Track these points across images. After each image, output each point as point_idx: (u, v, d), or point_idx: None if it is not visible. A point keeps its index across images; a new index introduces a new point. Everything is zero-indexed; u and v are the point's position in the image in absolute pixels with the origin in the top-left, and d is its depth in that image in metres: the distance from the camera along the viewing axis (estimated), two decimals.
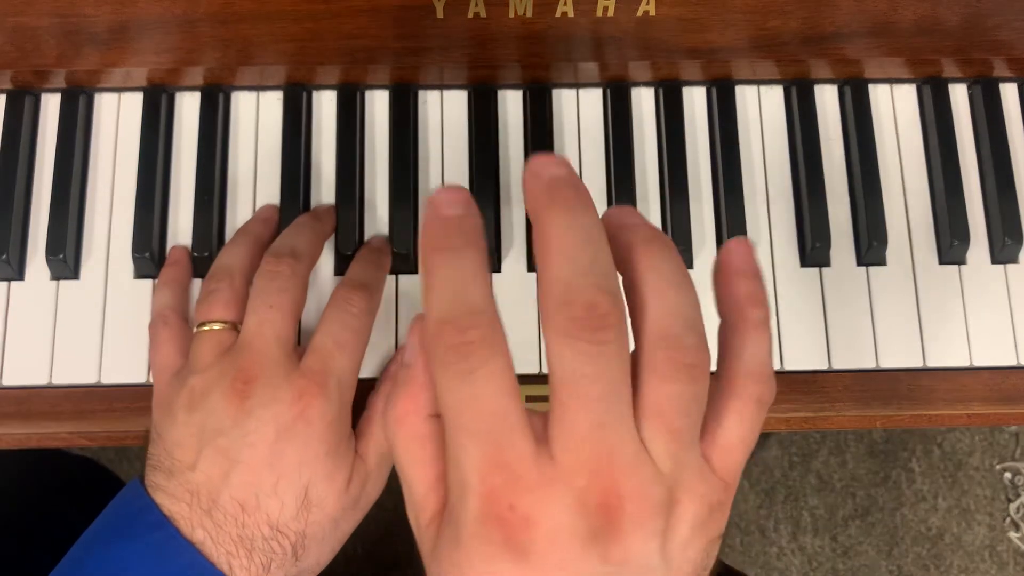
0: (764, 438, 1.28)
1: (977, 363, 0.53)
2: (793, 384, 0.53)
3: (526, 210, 0.31)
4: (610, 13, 0.52)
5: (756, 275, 0.33)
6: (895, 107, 0.57)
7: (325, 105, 0.56)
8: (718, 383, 0.33)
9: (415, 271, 0.54)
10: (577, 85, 0.57)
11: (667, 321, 0.31)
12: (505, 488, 0.29)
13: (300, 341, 0.52)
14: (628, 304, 0.32)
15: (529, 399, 0.50)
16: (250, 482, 0.44)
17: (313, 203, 0.55)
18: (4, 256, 0.52)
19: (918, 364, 0.53)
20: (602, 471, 0.29)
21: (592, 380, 0.29)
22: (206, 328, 0.47)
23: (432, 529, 0.32)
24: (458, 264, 0.30)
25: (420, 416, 0.32)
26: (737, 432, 0.33)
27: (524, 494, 0.29)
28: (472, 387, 0.29)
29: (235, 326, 0.47)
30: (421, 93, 0.57)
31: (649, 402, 0.30)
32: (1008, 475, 1.30)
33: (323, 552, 0.46)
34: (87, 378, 0.52)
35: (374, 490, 0.48)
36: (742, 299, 0.33)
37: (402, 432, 0.33)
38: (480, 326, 0.29)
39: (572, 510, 0.29)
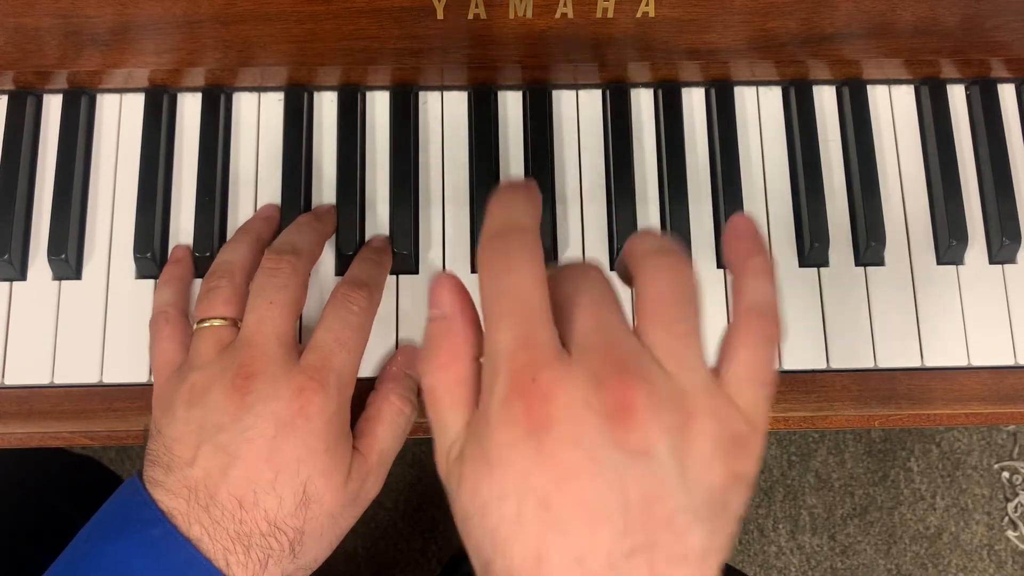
0: None
1: (975, 363, 0.53)
2: (792, 383, 0.53)
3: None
4: (609, 14, 0.52)
5: (755, 235, 0.38)
6: (893, 108, 0.57)
7: (326, 106, 0.56)
8: (729, 329, 0.36)
9: (415, 271, 0.54)
10: (577, 86, 0.57)
11: (650, 243, 0.37)
12: (530, 363, 0.33)
13: (300, 339, 0.52)
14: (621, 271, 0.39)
15: None
16: (248, 478, 0.44)
17: (314, 203, 0.55)
18: (6, 256, 0.52)
19: (916, 364, 0.53)
20: (610, 355, 0.33)
21: (585, 291, 0.35)
22: (206, 324, 0.47)
23: (457, 451, 0.35)
24: (513, 197, 0.37)
25: (465, 361, 0.36)
26: (747, 365, 0.35)
27: (545, 368, 0.33)
28: (511, 277, 0.35)
29: (235, 323, 0.48)
30: (421, 94, 0.57)
31: (641, 300, 0.35)
32: (1006, 474, 1.30)
33: (321, 548, 0.46)
34: (88, 378, 0.52)
35: (373, 487, 0.48)
36: (743, 252, 0.37)
37: (447, 377, 0.36)
38: (522, 234, 0.36)
39: (588, 387, 0.32)
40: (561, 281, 0.36)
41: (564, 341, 0.34)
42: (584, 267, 0.37)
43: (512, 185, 0.38)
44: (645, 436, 0.32)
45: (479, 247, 0.36)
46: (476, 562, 0.35)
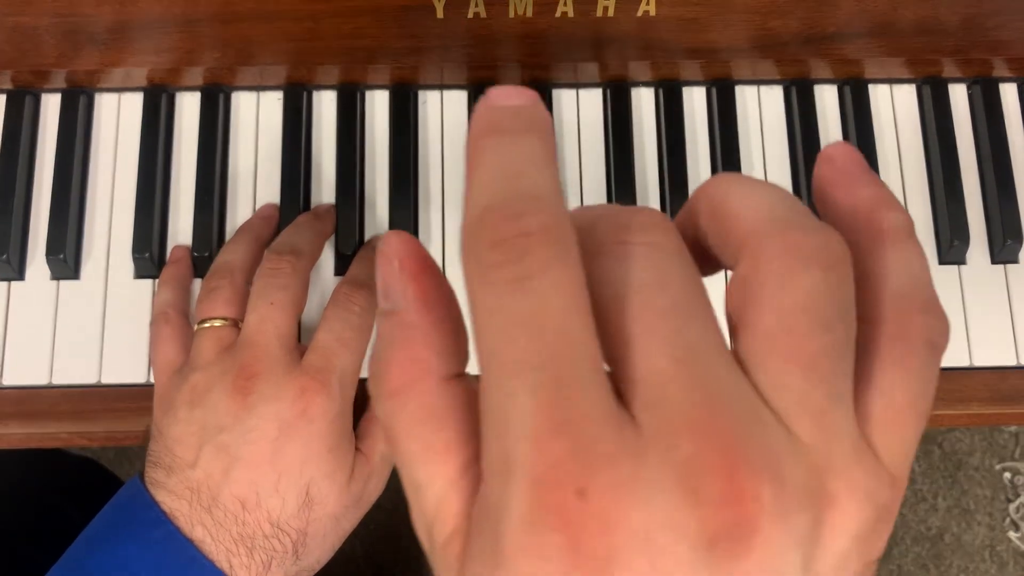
0: None
1: (977, 363, 0.53)
2: None
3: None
4: (610, 13, 0.52)
5: (875, 179, 0.23)
6: (895, 107, 0.57)
7: (325, 105, 0.56)
8: (860, 335, 0.21)
9: None
10: (577, 85, 0.57)
11: (781, 210, 0.21)
12: (572, 462, 0.18)
13: (300, 340, 0.52)
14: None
15: None
16: (251, 479, 0.44)
17: (313, 203, 0.55)
18: (4, 256, 0.52)
19: None
20: (712, 427, 0.18)
21: (659, 288, 0.19)
22: (207, 325, 0.47)
23: (455, 548, 0.20)
24: (513, 148, 0.20)
25: (429, 381, 0.21)
26: (903, 393, 0.21)
27: (602, 469, 0.17)
28: (527, 301, 0.18)
29: (236, 323, 0.47)
30: (421, 93, 0.57)
31: (764, 324, 0.19)
32: (1008, 475, 1.30)
33: (324, 550, 0.46)
34: (87, 378, 0.52)
35: (376, 488, 0.48)
36: (869, 206, 0.22)
37: (405, 410, 0.21)
38: (542, 212, 0.19)
39: (674, 493, 0.18)
40: (601, 253, 0.20)
41: (627, 381, 0.19)
42: (643, 220, 0.20)
43: (500, 112, 0.21)
44: (762, 562, 0.18)
45: (464, 235, 0.20)
46: None
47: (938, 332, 0.22)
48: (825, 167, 0.23)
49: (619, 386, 0.19)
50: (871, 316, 0.21)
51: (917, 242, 0.22)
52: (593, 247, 0.20)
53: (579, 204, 0.55)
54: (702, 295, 0.20)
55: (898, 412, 0.21)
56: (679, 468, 0.18)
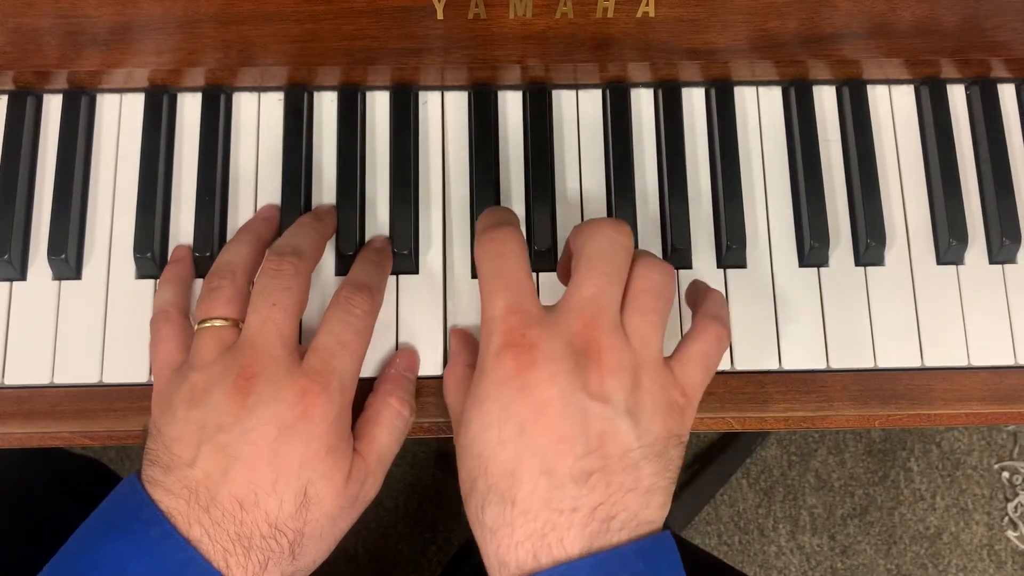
0: (763, 437, 1.28)
1: (975, 363, 0.53)
2: (791, 383, 0.53)
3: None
4: (610, 14, 0.52)
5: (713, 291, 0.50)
6: (893, 108, 0.57)
7: (326, 106, 0.56)
8: (689, 329, 0.47)
9: (416, 271, 0.54)
10: (577, 86, 0.57)
11: (647, 259, 0.46)
12: (520, 323, 0.43)
13: (300, 341, 0.52)
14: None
15: None
16: (249, 479, 0.44)
17: (314, 203, 0.55)
18: (6, 256, 0.52)
19: (916, 364, 0.53)
20: (590, 324, 0.43)
21: (606, 260, 0.44)
22: (208, 325, 0.47)
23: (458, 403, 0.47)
24: (498, 208, 0.51)
25: (462, 366, 0.50)
26: (693, 351, 0.45)
27: (533, 327, 0.43)
28: (501, 261, 0.45)
29: (237, 324, 0.48)
30: (421, 94, 0.57)
31: (630, 289, 0.45)
32: (1006, 474, 1.30)
33: (320, 550, 0.46)
34: (88, 378, 0.52)
35: (372, 489, 0.49)
36: (704, 289, 0.50)
37: (452, 376, 0.50)
38: (508, 227, 0.46)
39: (564, 344, 0.42)
40: (591, 239, 0.45)
41: (564, 296, 0.44)
42: (614, 238, 0.45)
43: (495, 207, 0.53)
44: (606, 386, 0.42)
45: (476, 240, 0.47)
46: (464, 486, 0.44)
47: (724, 334, 0.46)
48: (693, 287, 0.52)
49: (566, 293, 0.44)
50: (694, 321, 0.47)
51: (724, 304, 0.49)
52: (593, 236, 0.45)
53: (579, 204, 0.55)
54: (621, 280, 0.44)
55: (693, 357, 0.45)
56: (570, 333, 0.43)
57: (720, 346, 0.46)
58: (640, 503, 0.41)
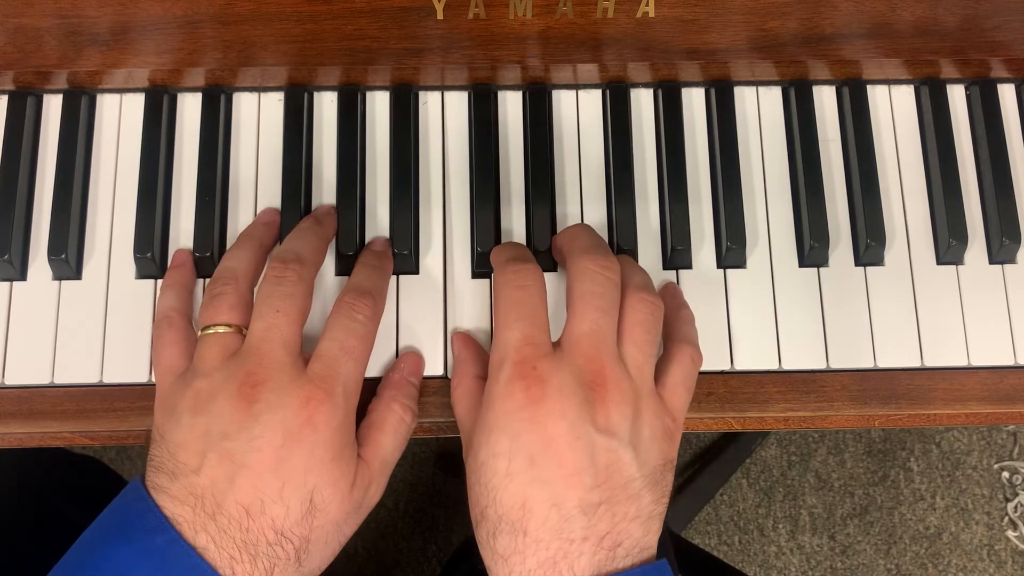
0: (763, 437, 1.28)
1: (975, 363, 0.53)
2: (791, 384, 0.53)
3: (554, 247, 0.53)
4: (610, 14, 0.52)
5: (682, 296, 0.53)
6: (893, 108, 0.57)
7: (326, 106, 0.56)
8: (664, 353, 0.49)
9: (416, 271, 0.54)
10: (577, 86, 0.57)
11: (638, 279, 0.49)
12: (532, 355, 0.45)
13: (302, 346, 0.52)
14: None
15: None
16: (256, 487, 0.44)
17: (314, 204, 0.55)
18: (6, 256, 0.52)
19: (916, 364, 0.53)
20: (594, 357, 0.45)
21: (599, 296, 0.46)
22: (211, 331, 0.47)
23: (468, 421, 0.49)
24: (515, 244, 0.53)
25: (471, 377, 0.50)
26: (676, 377, 0.48)
27: (544, 360, 0.45)
28: (522, 293, 0.47)
29: (240, 330, 0.47)
30: (422, 94, 0.57)
31: (624, 322, 0.47)
32: (1006, 474, 1.30)
33: (325, 556, 0.46)
34: (88, 378, 0.52)
35: (376, 494, 0.49)
36: (675, 307, 0.52)
37: (460, 388, 0.50)
38: (533, 263, 0.48)
39: (573, 378, 0.44)
40: (580, 277, 0.47)
41: (565, 332, 0.46)
42: (603, 274, 0.47)
43: (514, 243, 0.54)
44: (612, 419, 0.44)
45: (496, 270, 0.49)
46: (474, 511, 0.45)
47: (697, 357, 0.50)
48: (663, 292, 0.53)
49: (565, 329, 0.47)
50: (669, 346, 0.50)
51: (693, 321, 0.52)
52: (586, 274, 0.47)
53: (579, 205, 0.55)
54: (615, 313, 0.47)
55: (674, 384, 0.48)
56: (577, 368, 0.45)
57: (696, 368, 0.49)
58: (642, 530, 0.44)
